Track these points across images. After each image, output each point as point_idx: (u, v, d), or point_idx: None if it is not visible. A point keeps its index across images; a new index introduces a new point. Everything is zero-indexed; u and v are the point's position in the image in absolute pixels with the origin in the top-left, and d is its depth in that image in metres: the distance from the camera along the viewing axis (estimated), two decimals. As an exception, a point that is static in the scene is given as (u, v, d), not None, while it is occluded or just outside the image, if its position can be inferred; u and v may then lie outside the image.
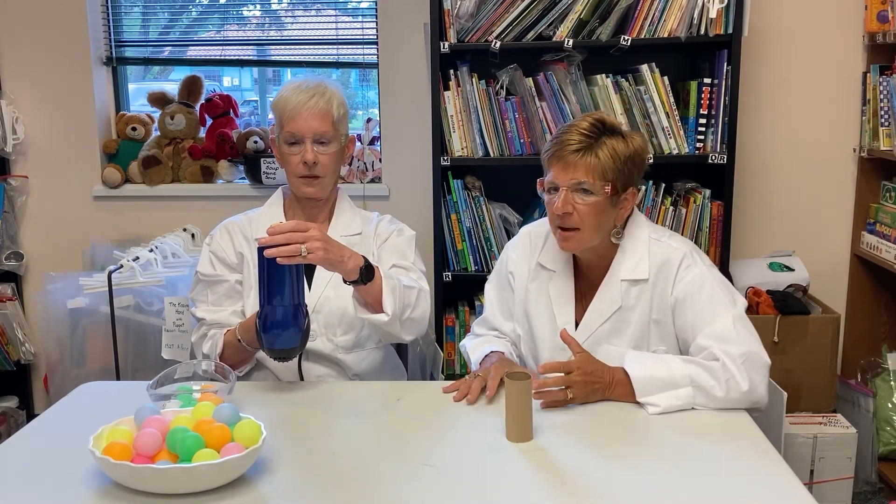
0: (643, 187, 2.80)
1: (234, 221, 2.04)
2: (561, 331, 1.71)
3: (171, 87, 3.42)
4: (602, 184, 1.71)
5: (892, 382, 2.84)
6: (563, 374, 1.65)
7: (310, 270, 1.99)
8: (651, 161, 2.73)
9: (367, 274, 1.70)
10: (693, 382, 1.63)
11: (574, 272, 1.88)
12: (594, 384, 1.65)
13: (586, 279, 1.86)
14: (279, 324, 1.66)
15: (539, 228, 1.96)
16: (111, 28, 3.37)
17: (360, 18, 3.35)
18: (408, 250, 2.01)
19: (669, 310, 1.76)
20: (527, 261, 1.94)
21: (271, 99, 2.14)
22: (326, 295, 1.97)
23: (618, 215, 1.78)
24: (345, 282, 1.72)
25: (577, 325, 1.84)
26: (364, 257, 1.72)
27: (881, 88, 2.86)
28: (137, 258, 2.80)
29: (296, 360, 1.92)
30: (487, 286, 2.03)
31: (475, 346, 1.95)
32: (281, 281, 1.65)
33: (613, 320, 1.80)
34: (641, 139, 1.80)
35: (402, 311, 1.77)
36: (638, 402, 1.65)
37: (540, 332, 1.88)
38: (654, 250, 1.79)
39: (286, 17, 3.49)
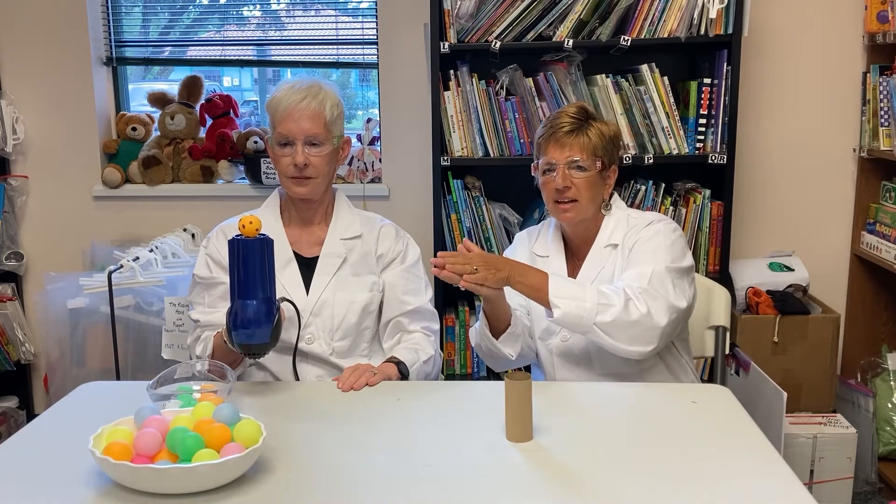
0: (643, 187, 2.81)
1: (230, 224, 2.03)
2: (464, 241, 1.85)
3: (171, 87, 3.42)
4: (593, 160, 1.93)
5: (892, 382, 2.84)
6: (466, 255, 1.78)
7: (308, 273, 1.99)
8: (651, 161, 2.75)
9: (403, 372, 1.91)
10: (600, 297, 1.78)
11: (564, 255, 2.06)
12: (496, 267, 1.78)
13: (575, 256, 2.05)
14: (249, 321, 1.63)
15: (530, 229, 2.19)
16: (111, 28, 3.37)
17: (360, 18, 3.35)
18: (414, 278, 2.05)
19: (624, 256, 1.95)
20: (526, 251, 2.11)
21: (271, 98, 2.15)
22: (325, 299, 1.96)
23: (605, 189, 2.00)
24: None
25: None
26: (397, 366, 1.89)
27: (881, 88, 2.86)
28: (137, 258, 2.80)
29: (290, 361, 1.92)
30: None
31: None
32: (252, 278, 1.63)
33: (598, 281, 1.96)
34: (616, 125, 2.10)
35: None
36: (548, 306, 1.80)
37: (536, 306, 1.98)
38: (631, 222, 2.00)
39: (286, 17, 3.49)
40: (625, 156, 2.71)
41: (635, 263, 1.88)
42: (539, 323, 2.01)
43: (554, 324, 1.85)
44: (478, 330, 1.98)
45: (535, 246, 2.08)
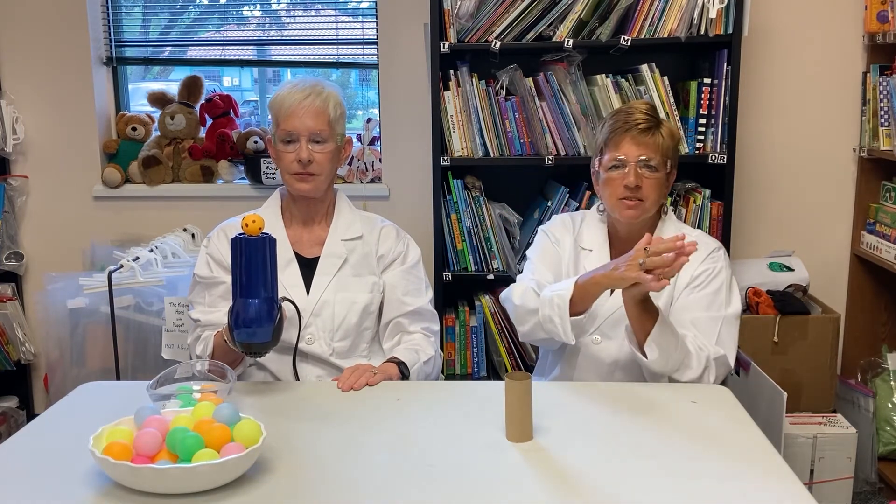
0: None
1: (231, 223, 2.04)
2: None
3: (171, 87, 3.42)
4: (664, 160, 1.93)
5: (892, 382, 2.84)
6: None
7: (309, 273, 1.99)
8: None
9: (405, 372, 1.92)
10: (686, 356, 1.81)
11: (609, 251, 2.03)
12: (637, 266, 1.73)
13: (618, 254, 1.96)
14: (251, 319, 1.63)
15: (572, 214, 2.15)
16: (111, 28, 3.37)
17: (360, 18, 3.35)
18: (414, 278, 2.05)
19: (684, 283, 1.94)
20: (569, 235, 2.07)
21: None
22: (325, 299, 1.97)
23: (666, 191, 2.00)
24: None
25: (612, 292, 1.93)
26: (398, 366, 1.89)
27: (881, 88, 2.86)
28: (137, 258, 2.80)
29: (290, 361, 1.92)
30: (530, 253, 2.10)
31: (542, 285, 1.94)
32: (254, 276, 1.63)
33: None
34: (677, 128, 2.06)
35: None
36: (637, 344, 1.80)
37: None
38: (689, 235, 1.91)
39: (286, 17, 3.49)
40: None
41: (705, 303, 1.90)
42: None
43: (646, 363, 1.80)
44: (543, 296, 1.87)
45: (579, 237, 2.06)
